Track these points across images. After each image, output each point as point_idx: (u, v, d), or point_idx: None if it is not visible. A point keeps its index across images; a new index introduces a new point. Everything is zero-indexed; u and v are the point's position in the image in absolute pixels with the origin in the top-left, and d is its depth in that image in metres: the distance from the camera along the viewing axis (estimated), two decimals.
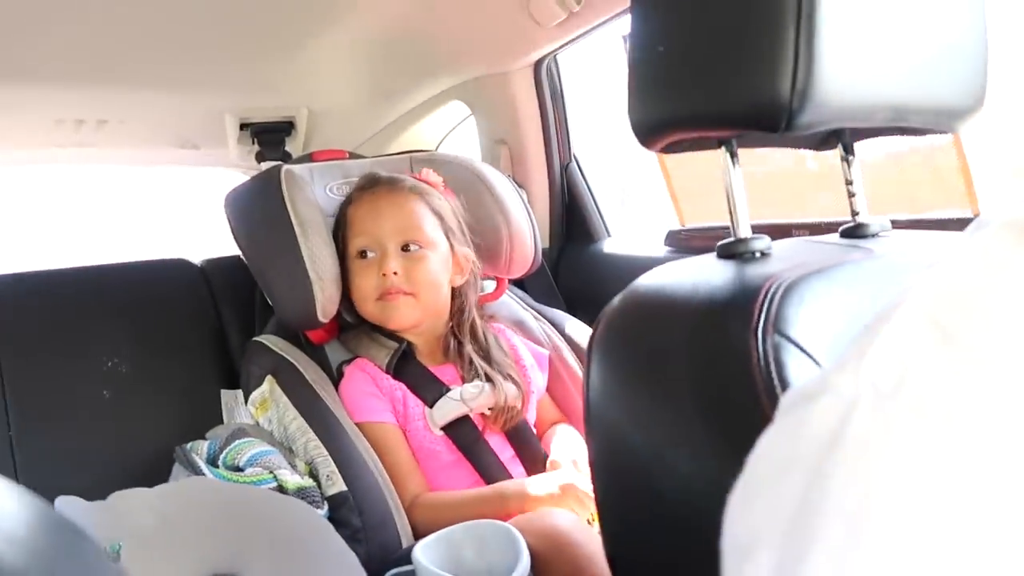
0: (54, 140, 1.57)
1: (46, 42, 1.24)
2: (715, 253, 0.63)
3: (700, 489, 0.51)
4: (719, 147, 0.64)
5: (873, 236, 0.67)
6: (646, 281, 0.62)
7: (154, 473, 1.11)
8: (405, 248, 1.16)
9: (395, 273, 1.14)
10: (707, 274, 0.60)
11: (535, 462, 1.16)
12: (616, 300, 0.63)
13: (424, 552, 0.79)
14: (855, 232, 0.68)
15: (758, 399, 0.47)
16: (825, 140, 0.71)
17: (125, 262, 1.47)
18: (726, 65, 0.57)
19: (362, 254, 1.17)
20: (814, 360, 0.48)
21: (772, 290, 0.51)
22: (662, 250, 1.41)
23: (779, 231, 1.19)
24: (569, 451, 1.13)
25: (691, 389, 0.54)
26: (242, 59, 1.46)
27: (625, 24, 1.25)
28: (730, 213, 0.63)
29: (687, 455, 0.53)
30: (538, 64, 1.51)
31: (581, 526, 0.91)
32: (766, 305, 0.50)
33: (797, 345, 0.48)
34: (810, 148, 0.71)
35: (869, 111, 0.58)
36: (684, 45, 0.59)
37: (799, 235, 1.19)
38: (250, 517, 0.78)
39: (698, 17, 0.58)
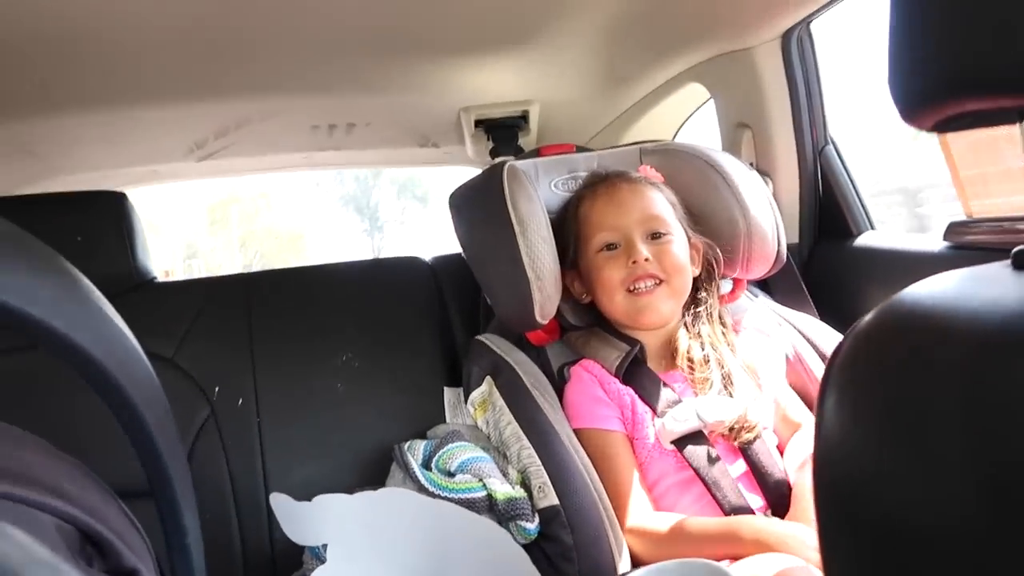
0: (311, 144, 1.71)
1: (303, 55, 1.34)
2: (1010, 262, 0.47)
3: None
4: (1019, 120, 0.47)
5: None
6: (912, 293, 0.48)
7: (378, 466, 1.15)
8: (652, 237, 1.12)
9: (646, 259, 1.09)
10: (999, 290, 0.44)
11: (772, 483, 1.03)
12: (870, 315, 0.49)
13: None
14: None
15: None
16: None
17: (362, 260, 1.55)
18: None
19: (608, 247, 1.13)
20: None
21: None
22: (939, 245, 1.18)
23: None
24: None
25: (965, 447, 0.39)
26: (475, 57, 1.47)
27: None
28: None
29: (950, 532, 0.39)
30: (787, 35, 1.33)
31: None
32: None
33: None
34: None
35: None
36: None
37: None
38: (449, 535, 0.75)
39: None
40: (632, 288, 1.10)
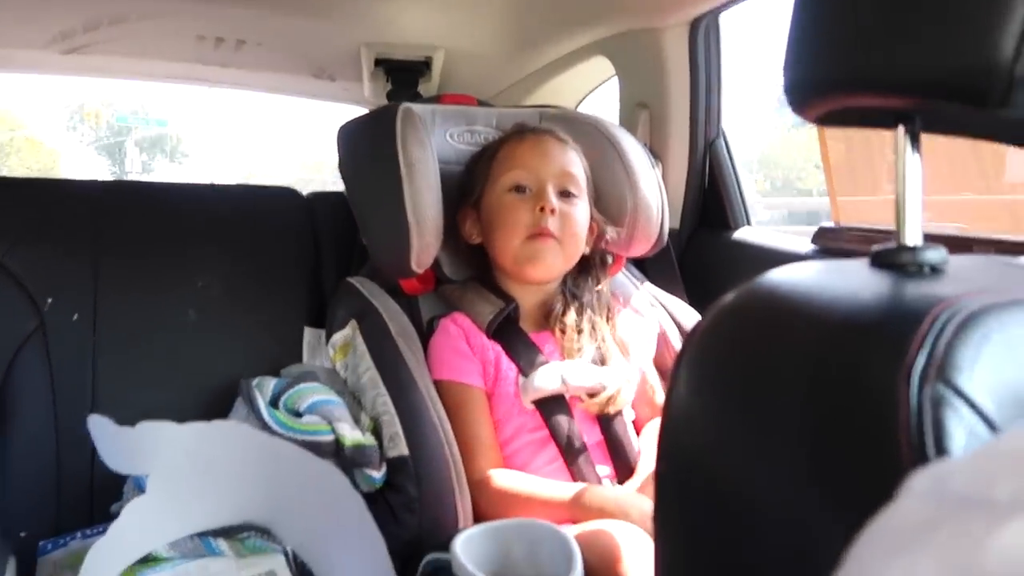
0: (195, 56, 1.59)
1: None
2: (868, 260, 0.48)
3: (789, 548, 0.39)
4: (895, 125, 0.49)
5: None
6: (774, 277, 0.49)
7: (223, 402, 1.08)
8: (562, 194, 1.11)
9: (552, 211, 1.07)
10: (853, 284, 0.45)
11: (624, 456, 1.05)
12: (729, 296, 0.50)
13: (465, 545, 0.70)
14: None
15: (899, 466, 0.34)
16: None
17: (233, 184, 1.46)
18: (925, 8, 0.42)
19: (518, 189, 1.10)
20: (992, 427, 0.34)
21: (943, 320, 0.37)
22: (807, 248, 1.23)
23: (956, 245, 0.99)
24: None
25: (803, 427, 0.40)
26: None
27: None
28: (897, 211, 0.49)
29: (780, 507, 0.40)
30: (696, 23, 1.35)
31: (645, 553, 0.79)
32: (931, 339, 0.36)
33: (969, 402, 0.34)
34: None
35: None
36: None
37: (981, 252, 0.99)
38: (285, 475, 0.72)
39: None
40: (531, 236, 1.08)
